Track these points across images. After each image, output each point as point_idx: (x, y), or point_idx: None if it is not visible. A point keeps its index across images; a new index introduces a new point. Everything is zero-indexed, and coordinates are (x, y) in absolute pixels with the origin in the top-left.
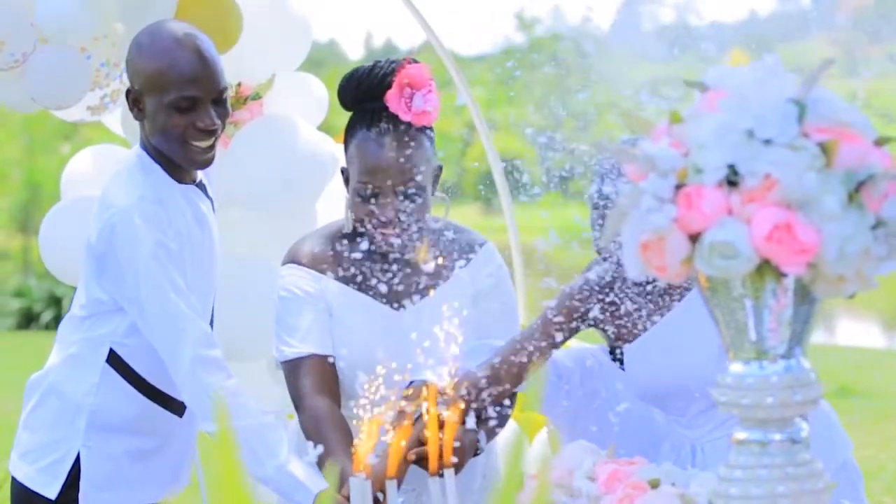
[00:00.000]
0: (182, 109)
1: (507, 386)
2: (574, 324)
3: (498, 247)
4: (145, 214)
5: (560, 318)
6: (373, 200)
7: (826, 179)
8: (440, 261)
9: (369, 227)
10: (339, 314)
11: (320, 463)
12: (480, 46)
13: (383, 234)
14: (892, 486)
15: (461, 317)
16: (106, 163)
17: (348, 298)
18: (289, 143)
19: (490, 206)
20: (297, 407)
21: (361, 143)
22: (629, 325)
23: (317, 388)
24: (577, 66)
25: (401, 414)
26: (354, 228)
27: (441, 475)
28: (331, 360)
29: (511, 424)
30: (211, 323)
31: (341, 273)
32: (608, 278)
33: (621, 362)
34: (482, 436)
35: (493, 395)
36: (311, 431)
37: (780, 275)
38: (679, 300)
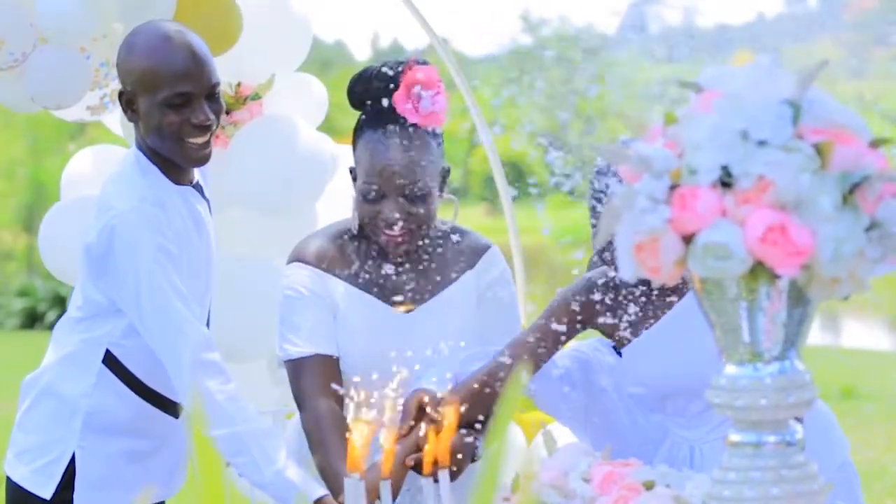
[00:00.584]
0: (176, 106)
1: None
2: (575, 325)
3: (502, 248)
4: (146, 217)
5: (560, 320)
6: (379, 202)
7: (820, 181)
8: (446, 264)
9: (375, 228)
10: (344, 314)
11: (320, 465)
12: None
13: (389, 235)
14: (894, 489)
15: (464, 320)
16: (106, 163)
17: (353, 299)
18: (288, 144)
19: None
20: (299, 406)
21: (369, 143)
22: (629, 325)
23: (321, 388)
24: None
25: (398, 418)
26: (361, 228)
27: (436, 480)
28: (335, 360)
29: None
30: (207, 324)
31: (347, 273)
32: (608, 279)
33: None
34: (480, 442)
35: (490, 400)
36: (313, 432)
37: (774, 276)
38: (678, 301)
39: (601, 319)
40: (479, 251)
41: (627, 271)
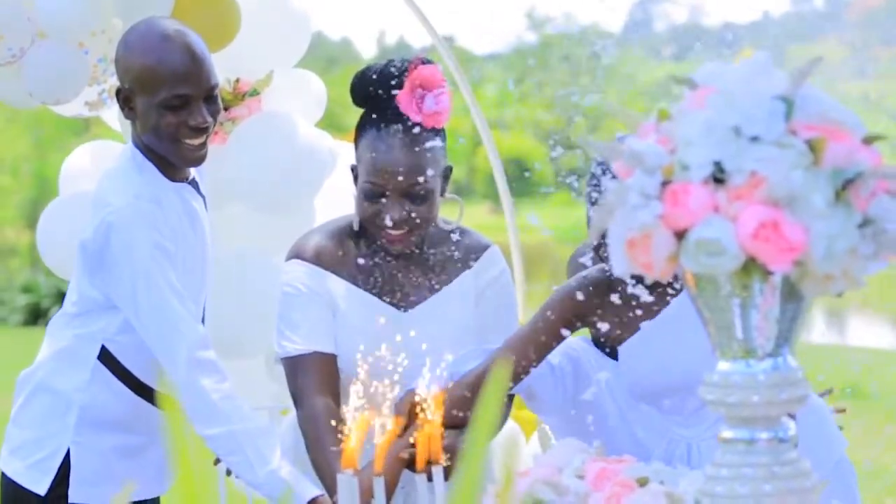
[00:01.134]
0: (174, 108)
1: None
2: (571, 323)
3: (504, 247)
4: (142, 214)
5: (556, 318)
6: (380, 201)
7: (813, 177)
8: (445, 263)
9: (376, 227)
10: (343, 312)
11: (317, 464)
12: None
13: (390, 234)
14: (894, 488)
15: (463, 319)
16: (104, 158)
17: (352, 297)
18: (287, 140)
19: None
20: (297, 404)
21: (371, 143)
22: (625, 323)
23: (318, 387)
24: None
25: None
26: (361, 226)
27: (430, 478)
28: (333, 358)
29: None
30: (202, 321)
31: (347, 271)
32: (604, 276)
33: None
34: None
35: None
36: (310, 431)
37: (767, 273)
38: (674, 298)
39: (597, 317)
40: (478, 251)
41: (620, 267)
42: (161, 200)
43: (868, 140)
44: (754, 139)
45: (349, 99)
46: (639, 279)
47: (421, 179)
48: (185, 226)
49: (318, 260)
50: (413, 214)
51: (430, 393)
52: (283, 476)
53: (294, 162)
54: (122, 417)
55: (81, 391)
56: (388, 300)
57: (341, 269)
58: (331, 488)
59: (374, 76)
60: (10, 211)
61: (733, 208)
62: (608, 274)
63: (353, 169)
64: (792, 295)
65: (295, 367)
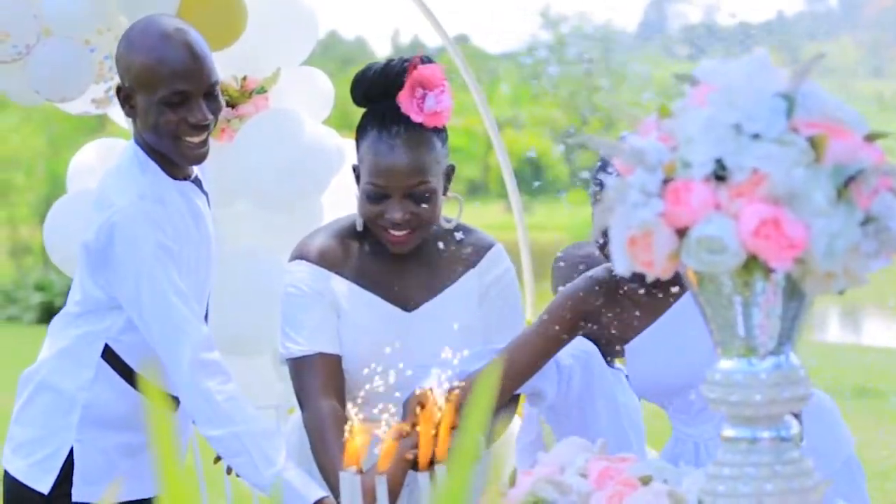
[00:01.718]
0: (173, 105)
1: (508, 389)
2: (577, 324)
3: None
4: (146, 214)
5: (562, 319)
6: (383, 201)
7: (814, 175)
8: (449, 262)
9: (379, 227)
10: (347, 313)
11: (322, 466)
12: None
13: (392, 235)
14: None
15: (467, 319)
16: (111, 156)
17: (356, 297)
18: (294, 137)
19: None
20: (301, 406)
21: (372, 144)
22: (631, 323)
23: (323, 388)
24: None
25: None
26: (365, 226)
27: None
28: (337, 359)
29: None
30: (206, 319)
31: (350, 271)
32: (610, 277)
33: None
34: (481, 440)
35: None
36: (315, 432)
37: (769, 271)
38: (680, 296)
39: (603, 318)
40: (482, 250)
41: (621, 265)
42: (164, 199)
43: (870, 137)
44: (755, 136)
45: None
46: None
47: (423, 180)
48: (188, 224)
49: (322, 260)
50: (416, 215)
51: (435, 393)
52: (288, 478)
53: (301, 159)
54: (125, 416)
55: (85, 390)
56: (391, 300)
57: (345, 269)
58: (336, 490)
59: (375, 76)
60: (24, 209)
61: (734, 206)
62: (614, 274)
63: (356, 169)
64: (794, 293)
65: (299, 368)
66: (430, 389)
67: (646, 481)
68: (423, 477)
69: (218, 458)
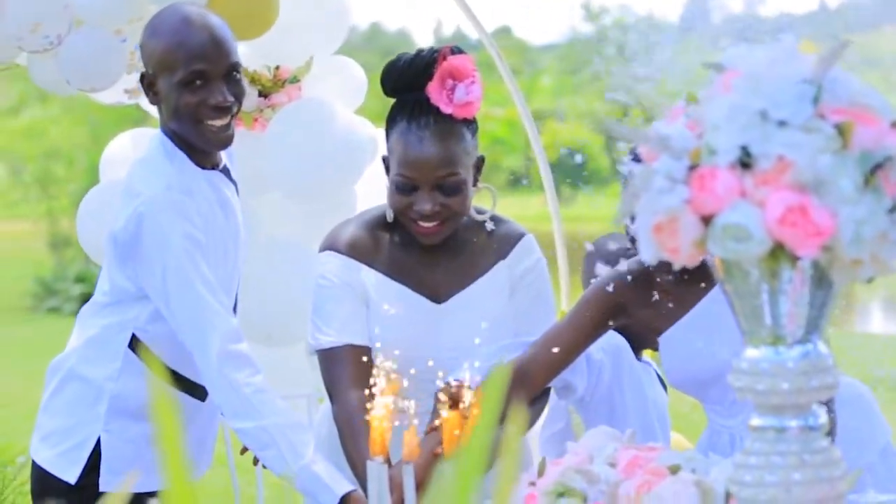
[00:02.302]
0: (193, 87)
1: (539, 382)
2: (609, 316)
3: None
4: (174, 205)
5: (594, 312)
6: (412, 193)
7: (841, 162)
8: (480, 253)
9: (408, 219)
10: (377, 305)
11: (351, 458)
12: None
13: (422, 226)
14: None
15: (497, 310)
16: (144, 145)
17: (386, 289)
18: (326, 127)
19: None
20: (331, 398)
21: (402, 135)
22: (664, 314)
23: (352, 380)
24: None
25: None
26: (395, 217)
27: None
28: (367, 350)
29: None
30: (234, 309)
31: (380, 262)
32: (641, 269)
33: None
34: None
35: (522, 393)
36: (344, 425)
37: (795, 258)
38: (713, 286)
39: (636, 310)
40: (512, 240)
41: (647, 253)
42: (192, 190)
43: None
44: (781, 123)
45: None
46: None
47: (453, 171)
48: (216, 214)
49: (352, 251)
50: (445, 206)
51: (466, 385)
52: (316, 471)
53: (333, 149)
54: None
55: (112, 380)
56: (421, 292)
57: (375, 260)
58: (365, 481)
59: (404, 66)
60: (64, 201)
61: (760, 193)
62: (647, 265)
63: (385, 160)
64: (821, 281)
65: (329, 359)
66: (460, 382)
67: (674, 470)
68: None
69: (245, 449)
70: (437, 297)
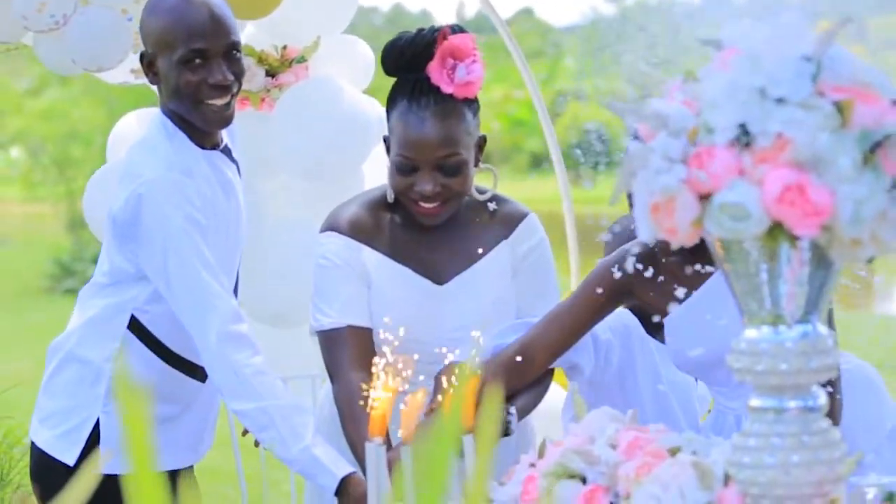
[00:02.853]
0: (192, 66)
1: (541, 363)
2: (614, 297)
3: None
4: (174, 186)
5: (599, 292)
6: (413, 174)
7: (840, 140)
8: (482, 234)
9: (409, 199)
10: (378, 286)
11: (352, 440)
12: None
13: (423, 207)
14: None
15: (500, 291)
16: None
17: (388, 270)
18: (334, 107)
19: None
20: (332, 379)
21: (402, 115)
22: (669, 295)
23: (353, 361)
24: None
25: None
26: (396, 197)
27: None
28: (368, 332)
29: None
30: (235, 290)
31: (381, 243)
32: (646, 249)
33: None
34: (513, 416)
35: (525, 374)
36: (345, 406)
37: (794, 238)
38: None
39: (640, 291)
40: (515, 220)
41: (645, 232)
42: (192, 170)
43: None
44: (780, 101)
45: None
46: (682, 250)
47: (453, 152)
48: (217, 195)
49: (353, 232)
50: (446, 187)
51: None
52: (316, 453)
53: (340, 129)
54: (152, 388)
55: (111, 361)
56: (423, 273)
57: (376, 241)
58: (364, 463)
59: (405, 45)
60: (82, 182)
61: (758, 172)
62: (652, 246)
63: (386, 140)
64: (821, 261)
65: (329, 340)
66: (461, 363)
67: (674, 452)
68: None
69: (246, 431)
70: (439, 278)
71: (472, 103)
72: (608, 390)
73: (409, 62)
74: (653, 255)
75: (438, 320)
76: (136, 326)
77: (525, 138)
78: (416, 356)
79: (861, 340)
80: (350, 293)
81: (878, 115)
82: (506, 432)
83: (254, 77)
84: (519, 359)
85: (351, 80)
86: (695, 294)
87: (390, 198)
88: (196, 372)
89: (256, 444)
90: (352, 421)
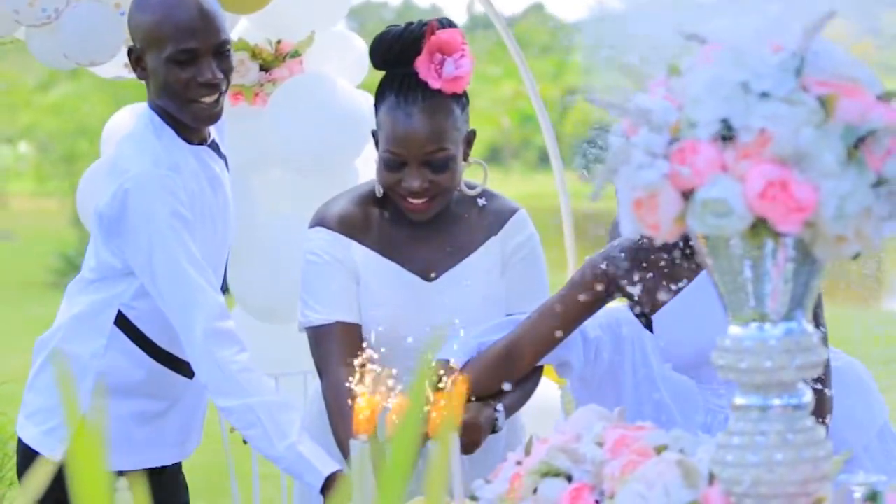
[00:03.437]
0: (182, 64)
1: (529, 360)
2: (602, 293)
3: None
4: (160, 181)
5: (588, 288)
6: (401, 169)
7: (824, 135)
8: (471, 229)
9: (398, 195)
10: (367, 281)
11: (339, 437)
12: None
13: (411, 203)
14: None
15: (489, 287)
16: None
17: (376, 265)
18: (328, 101)
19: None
20: (320, 375)
21: (390, 110)
22: (658, 292)
23: (341, 357)
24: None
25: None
26: (385, 193)
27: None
28: (357, 327)
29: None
30: (223, 287)
31: (370, 239)
32: (636, 245)
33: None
34: (501, 413)
35: (510, 372)
36: (333, 403)
37: (778, 234)
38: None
39: (629, 287)
40: (504, 216)
41: (628, 228)
42: (179, 166)
43: (885, 97)
44: (763, 95)
45: None
46: (671, 247)
47: (441, 147)
48: (204, 190)
49: (342, 227)
50: (434, 182)
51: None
52: (301, 451)
53: (335, 123)
54: (139, 383)
55: (98, 357)
56: (412, 269)
57: (365, 236)
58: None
59: (392, 40)
60: None
61: (741, 167)
62: (640, 241)
63: (374, 134)
64: (806, 257)
65: (318, 336)
66: (447, 361)
67: (661, 450)
68: (432, 444)
69: (234, 427)
70: (428, 274)
71: (461, 98)
72: (600, 387)
73: (397, 57)
74: (641, 251)
75: (427, 316)
76: (122, 322)
77: (534, 134)
78: (394, 371)
79: (866, 336)
80: (338, 289)
81: (862, 110)
82: (493, 429)
83: (247, 72)
84: (506, 356)
85: (345, 75)
86: (684, 290)
87: (379, 193)
88: (183, 368)
89: (245, 441)
90: (339, 417)
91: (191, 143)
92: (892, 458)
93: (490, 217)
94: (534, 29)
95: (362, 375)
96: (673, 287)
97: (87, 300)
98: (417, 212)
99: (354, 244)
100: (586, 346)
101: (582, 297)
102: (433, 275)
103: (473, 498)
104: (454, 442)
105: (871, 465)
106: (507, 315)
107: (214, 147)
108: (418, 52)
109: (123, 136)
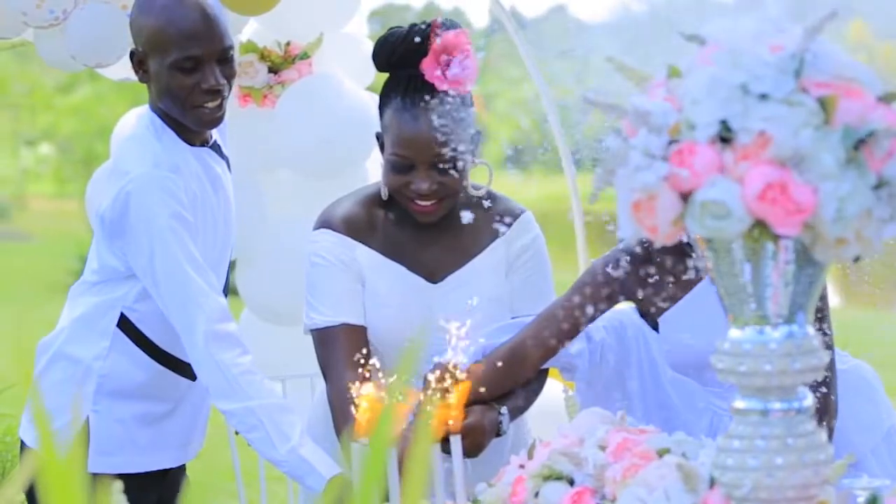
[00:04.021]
0: (185, 70)
1: (534, 363)
2: (607, 297)
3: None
4: (161, 183)
5: (592, 292)
6: (408, 172)
7: (823, 136)
8: (476, 231)
9: (404, 197)
10: (372, 284)
11: (342, 440)
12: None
13: (418, 205)
14: None
15: (494, 290)
16: None
17: (382, 268)
18: (337, 103)
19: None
20: (325, 377)
21: (396, 113)
22: (662, 296)
23: (347, 360)
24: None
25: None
26: (390, 194)
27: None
28: (362, 330)
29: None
30: (225, 289)
31: (375, 241)
32: (640, 249)
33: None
34: (505, 416)
35: (514, 375)
36: (337, 406)
37: (778, 237)
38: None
39: (633, 290)
40: (510, 218)
41: (626, 230)
42: (180, 168)
43: (885, 98)
44: (763, 97)
45: None
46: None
47: (448, 149)
48: (206, 192)
49: (347, 229)
50: (442, 185)
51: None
52: (303, 454)
53: (344, 125)
54: (141, 385)
55: (101, 359)
56: (417, 271)
57: (370, 238)
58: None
59: (397, 42)
60: None
61: (739, 169)
62: (645, 244)
63: (379, 137)
64: (807, 260)
65: (323, 339)
66: (450, 363)
67: (663, 454)
68: (435, 449)
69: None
70: (433, 276)
71: (467, 99)
72: (606, 389)
73: (402, 58)
74: (646, 253)
75: (432, 319)
76: (125, 324)
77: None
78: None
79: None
80: (344, 291)
81: (862, 111)
82: (498, 433)
83: (256, 73)
84: (511, 359)
85: (354, 76)
86: (689, 294)
87: (384, 195)
88: (186, 370)
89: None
90: (344, 420)
91: (192, 144)
92: None
93: (496, 219)
94: (556, 30)
95: (366, 378)
96: (679, 290)
97: (90, 302)
98: (425, 214)
99: (359, 246)
100: (592, 349)
101: (587, 301)
102: (438, 277)
103: (475, 501)
104: (457, 445)
105: (878, 467)
106: (513, 317)
107: (216, 148)
108: (424, 54)
109: (124, 138)
